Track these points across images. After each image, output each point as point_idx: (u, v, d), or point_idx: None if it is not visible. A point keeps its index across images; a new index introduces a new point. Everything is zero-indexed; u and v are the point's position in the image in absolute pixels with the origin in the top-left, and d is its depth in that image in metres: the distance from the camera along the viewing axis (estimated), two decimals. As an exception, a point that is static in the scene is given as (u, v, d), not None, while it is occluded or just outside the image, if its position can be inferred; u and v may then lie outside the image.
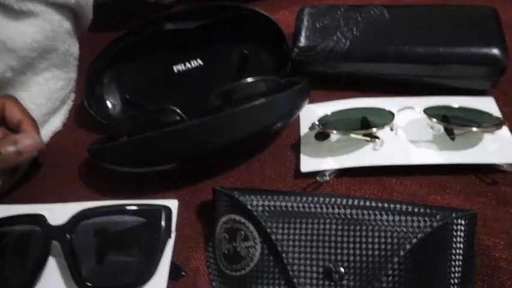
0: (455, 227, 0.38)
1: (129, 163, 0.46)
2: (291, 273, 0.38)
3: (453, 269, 0.37)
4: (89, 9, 0.56)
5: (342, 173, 0.47)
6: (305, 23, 0.55)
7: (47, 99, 0.55)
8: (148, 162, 0.46)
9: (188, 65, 0.57)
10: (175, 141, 0.44)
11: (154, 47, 0.57)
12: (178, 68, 0.57)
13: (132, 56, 0.57)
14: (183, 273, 0.42)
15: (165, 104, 0.52)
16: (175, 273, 0.42)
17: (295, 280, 0.38)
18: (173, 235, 0.43)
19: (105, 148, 0.47)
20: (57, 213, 0.43)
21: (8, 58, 0.49)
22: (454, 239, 0.38)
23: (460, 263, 0.37)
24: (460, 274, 0.37)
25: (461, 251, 0.38)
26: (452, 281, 0.37)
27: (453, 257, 0.37)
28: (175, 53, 0.57)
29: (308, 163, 0.47)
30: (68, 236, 0.41)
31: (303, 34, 0.54)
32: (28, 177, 0.53)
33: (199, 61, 0.57)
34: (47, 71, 0.54)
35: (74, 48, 0.56)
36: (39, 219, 0.43)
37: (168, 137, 0.44)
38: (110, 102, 0.57)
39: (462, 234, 0.38)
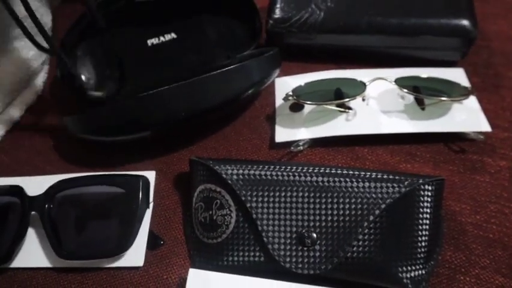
0: (422, 193, 0.39)
1: (102, 132, 0.46)
2: (265, 239, 0.39)
3: (420, 233, 0.39)
4: None
5: (316, 143, 0.48)
6: (280, -6, 0.55)
7: (17, 68, 0.54)
8: (121, 131, 0.46)
9: (162, 38, 0.57)
10: (147, 107, 0.44)
11: (128, 20, 0.56)
12: (152, 41, 0.57)
13: (106, 29, 0.56)
14: (161, 242, 0.43)
15: (138, 78, 0.52)
16: (153, 242, 0.43)
17: (269, 246, 0.39)
18: (151, 205, 0.44)
19: (77, 118, 0.47)
20: (35, 184, 0.44)
21: None
22: (422, 204, 0.39)
23: (427, 227, 0.39)
24: (427, 238, 0.39)
25: (428, 216, 0.39)
26: (419, 244, 0.39)
27: (420, 221, 0.39)
28: (149, 26, 0.57)
29: (283, 133, 0.48)
30: (46, 206, 0.42)
31: (278, 6, 0.54)
32: (4, 149, 0.53)
33: (173, 34, 0.57)
34: (19, 39, 0.53)
35: (47, 18, 0.56)
36: (17, 190, 0.43)
37: (140, 103, 0.44)
38: (84, 76, 0.57)
39: (429, 199, 0.39)
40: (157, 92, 0.44)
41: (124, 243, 0.41)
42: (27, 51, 0.54)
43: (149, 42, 0.57)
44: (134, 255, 0.42)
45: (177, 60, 0.57)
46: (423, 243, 0.39)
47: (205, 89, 0.44)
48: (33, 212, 0.42)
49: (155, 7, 0.55)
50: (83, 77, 0.56)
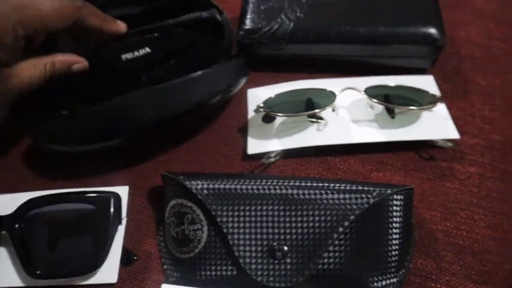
0: (391, 203, 0.40)
1: (68, 141, 0.46)
2: (236, 253, 0.39)
3: (391, 242, 0.39)
4: None
5: (288, 154, 0.48)
6: (251, 5, 0.55)
7: None
8: (87, 140, 0.46)
9: (136, 53, 0.57)
10: (113, 114, 0.44)
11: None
12: (126, 56, 0.57)
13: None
14: (135, 258, 0.43)
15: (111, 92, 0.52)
16: (127, 258, 0.43)
17: (241, 260, 0.39)
18: (124, 221, 0.44)
19: (45, 127, 0.47)
20: (5, 203, 0.44)
21: None
22: (391, 214, 0.40)
23: (398, 236, 0.40)
24: (397, 247, 0.39)
25: (398, 225, 0.40)
26: (390, 254, 0.39)
27: (390, 231, 0.39)
28: (123, 41, 0.57)
29: (255, 145, 0.49)
30: (17, 225, 0.42)
31: (248, 17, 0.54)
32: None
33: (147, 49, 0.57)
34: None
35: None
36: (-14, 210, 0.43)
37: (106, 111, 0.44)
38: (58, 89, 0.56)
39: (398, 209, 0.40)
40: (122, 98, 0.44)
41: (97, 261, 0.41)
42: None
43: (124, 57, 0.57)
44: (108, 272, 0.42)
45: (151, 75, 0.56)
46: (394, 252, 0.39)
47: (170, 96, 0.44)
48: (3, 232, 0.42)
49: (129, 21, 0.55)
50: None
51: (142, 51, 0.57)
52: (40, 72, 0.45)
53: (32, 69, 0.45)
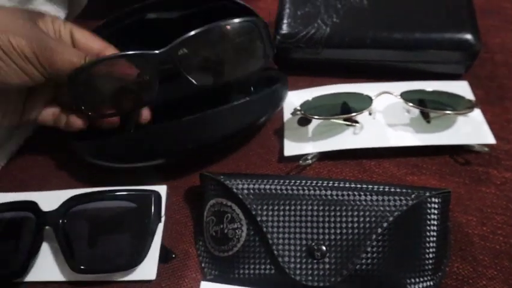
0: (429, 205, 0.40)
1: (111, 160, 0.47)
2: (275, 252, 0.40)
3: (428, 245, 0.40)
4: None
5: (323, 157, 0.49)
6: (287, 10, 0.56)
7: None
8: (129, 160, 0.47)
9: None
10: (157, 139, 0.45)
11: (136, 37, 0.57)
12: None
13: (114, 46, 0.57)
14: (173, 256, 0.44)
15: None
16: (165, 256, 0.44)
17: (280, 259, 0.40)
18: (163, 219, 0.45)
19: (87, 145, 0.48)
20: (49, 200, 0.45)
21: None
22: (429, 216, 0.40)
23: (435, 238, 0.40)
24: (434, 249, 0.40)
25: (435, 228, 0.40)
26: (427, 256, 0.39)
27: (428, 233, 0.40)
28: (157, 44, 0.58)
29: (291, 147, 0.49)
30: (60, 221, 0.43)
31: (285, 21, 0.55)
32: (18, 165, 0.53)
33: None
34: None
35: None
36: (31, 205, 0.44)
37: (150, 135, 0.45)
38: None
39: (436, 211, 0.40)
40: (168, 124, 0.45)
41: (137, 257, 0.42)
42: None
43: None
44: (147, 269, 0.43)
45: (184, 80, 0.57)
46: (431, 255, 0.40)
47: (217, 122, 0.45)
48: (47, 227, 0.43)
49: (165, 24, 0.56)
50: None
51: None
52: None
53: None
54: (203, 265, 0.43)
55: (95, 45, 0.47)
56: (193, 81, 0.45)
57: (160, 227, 0.44)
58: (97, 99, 0.48)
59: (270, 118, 0.50)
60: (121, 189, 0.45)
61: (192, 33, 0.44)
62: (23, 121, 0.48)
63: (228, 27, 0.45)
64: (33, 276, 0.44)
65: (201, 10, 0.55)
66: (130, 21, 0.55)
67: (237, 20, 0.45)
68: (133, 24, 0.55)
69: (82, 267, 0.42)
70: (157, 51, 0.44)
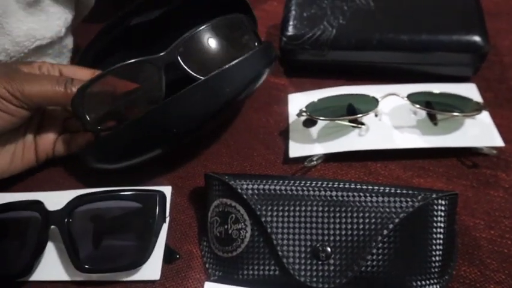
0: (436, 207, 0.39)
1: (115, 158, 0.47)
2: (280, 253, 0.39)
3: (434, 247, 0.39)
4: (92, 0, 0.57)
5: (329, 158, 0.49)
6: (293, 12, 0.56)
7: None
8: (133, 153, 0.46)
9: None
10: (154, 122, 0.44)
11: (125, 46, 0.57)
12: None
13: (107, 57, 0.57)
14: (177, 256, 0.44)
15: None
16: (169, 256, 0.44)
17: (284, 260, 0.39)
18: (167, 220, 0.45)
19: (86, 151, 0.48)
20: (54, 199, 0.45)
21: (4, 41, 0.50)
22: (435, 219, 0.39)
23: (441, 241, 0.39)
24: (441, 252, 0.39)
25: (442, 230, 0.39)
26: (433, 259, 0.39)
27: (434, 235, 0.39)
28: (145, 49, 0.57)
29: (296, 149, 0.49)
30: (66, 220, 0.43)
31: (291, 23, 0.55)
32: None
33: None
34: (40, 60, 0.55)
35: (69, 39, 0.57)
36: (37, 205, 0.44)
37: (148, 118, 0.44)
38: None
39: (443, 214, 0.40)
40: (158, 107, 0.44)
41: (141, 257, 0.42)
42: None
43: None
44: (151, 269, 0.43)
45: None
46: (437, 258, 0.39)
47: (208, 92, 0.44)
48: (52, 226, 0.43)
49: (149, 29, 0.56)
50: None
51: None
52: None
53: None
54: (207, 266, 0.43)
55: (83, 74, 0.49)
56: (197, 75, 0.45)
57: (165, 228, 0.44)
58: (108, 114, 0.48)
59: (257, 85, 0.48)
60: (126, 189, 0.45)
61: (192, 33, 0.45)
62: (39, 158, 0.51)
63: (221, 23, 0.47)
64: (38, 275, 0.44)
65: (182, 4, 0.55)
66: (116, 31, 0.55)
67: (227, 17, 0.47)
68: (120, 34, 0.55)
69: (87, 266, 0.42)
70: (162, 54, 0.44)
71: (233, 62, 0.44)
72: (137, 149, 0.46)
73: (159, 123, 0.44)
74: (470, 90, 0.52)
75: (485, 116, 0.49)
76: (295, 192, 0.41)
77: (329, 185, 0.40)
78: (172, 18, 0.56)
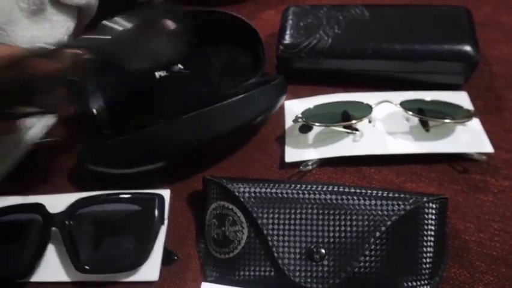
0: (426, 210, 0.41)
1: (116, 165, 0.48)
2: (275, 254, 0.41)
3: (425, 249, 0.40)
4: (95, 8, 0.58)
5: (324, 163, 0.50)
6: (290, 21, 0.58)
7: None
8: (135, 163, 0.47)
9: (169, 70, 0.59)
10: (158, 139, 0.46)
11: None
12: (160, 73, 0.59)
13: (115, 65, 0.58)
14: (175, 258, 0.45)
15: (148, 110, 0.54)
16: (167, 258, 0.45)
17: (279, 261, 0.40)
18: (166, 222, 0.46)
19: (90, 150, 0.49)
20: (55, 202, 0.46)
21: None
22: (426, 222, 0.41)
23: (432, 243, 0.40)
24: (431, 254, 0.40)
25: (432, 233, 0.41)
26: (424, 260, 0.40)
27: (425, 238, 0.40)
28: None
29: (292, 154, 0.50)
30: (67, 222, 0.44)
31: (288, 32, 0.57)
32: (23, 169, 0.54)
33: (180, 66, 0.59)
34: None
35: None
36: (39, 207, 0.45)
37: (150, 135, 0.46)
38: (96, 110, 0.58)
39: (433, 217, 0.41)
40: (167, 124, 0.45)
41: (140, 258, 0.43)
42: None
43: (158, 74, 0.59)
44: (150, 270, 0.44)
45: (185, 91, 0.59)
46: (427, 260, 0.40)
47: (216, 119, 0.46)
48: (53, 228, 0.44)
49: None
50: (94, 111, 0.57)
51: (175, 68, 0.59)
52: None
53: None
54: (204, 267, 0.44)
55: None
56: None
57: (163, 230, 0.45)
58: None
59: (269, 114, 0.51)
60: (126, 192, 0.46)
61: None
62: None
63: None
64: (38, 276, 0.44)
65: (197, 25, 0.57)
66: None
67: None
68: None
69: (87, 267, 0.43)
70: None
71: (253, 91, 0.47)
72: (142, 159, 0.47)
73: (176, 137, 0.45)
74: (461, 98, 0.53)
75: (475, 123, 0.50)
76: (290, 196, 0.42)
77: (324, 189, 0.42)
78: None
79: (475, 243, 0.44)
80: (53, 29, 0.54)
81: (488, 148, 0.48)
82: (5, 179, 0.53)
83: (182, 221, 0.48)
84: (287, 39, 0.56)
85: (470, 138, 0.49)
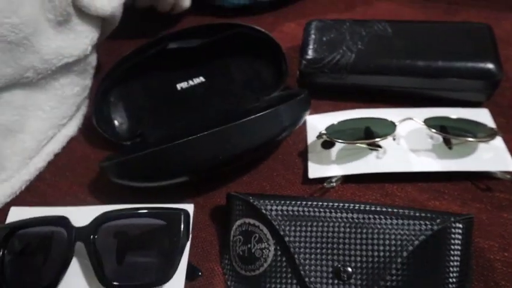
0: (453, 230, 0.41)
1: (140, 178, 0.48)
2: (302, 272, 0.41)
3: (451, 269, 0.40)
4: (118, 19, 0.59)
5: (347, 180, 0.50)
6: (312, 36, 0.58)
7: (60, 103, 0.56)
8: (159, 177, 0.47)
9: (191, 82, 0.60)
10: (181, 155, 0.45)
11: (158, 66, 0.59)
12: (181, 85, 0.60)
13: (137, 75, 0.59)
14: (200, 273, 0.45)
15: (169, 122, 0.55)
16: (191, 273, 0.45)
17: (306, 279, 0.41)
18: (189, 237, 0.46)
19: (114, 164, 0.49)
20: (80, 216, 0.45)
21: (33, 58, 0.51)
22: (452, 241, 0.41)
23: (458, 263, 0.40)
24: (457, 274, 0.40)
25: (458, 253, 0.41)
26: (450, 280, 0.40)
27: (451, 257, 0.40)
28: (178, 71, 0.59)
29: (315, 170, 0.50)
30: (92, 237, 0.44)
31: (311, 47, 0.57)
32: (46, 180, 0.55)
33: (201, 78, 0.60)
34: (65, 77, 0.56)
35: (93, 57, 0.59)
36: (63, 221, 0.45)
37: (177, 149, 0.45)
38: (117, 121, 0.59)
39: (460, 237, 0.41)
40: (191, 139, 0.45)
41: (166, 274, 0.43)
42: (72, 87, 0.57)
43: (179, 86, 0.60)
44: (174, 286, 0.43)
45: (206, 104, 0.59)
46: (454, 279, 0.40)
47: (241, 135, 0.45)
48: (78, 242, 0.44)
49: (185, 53, 0.58)
50: (116, 122, 0.58)
51: (196, 81, 0.60)
52: None
53: None
54: (229, 283, 0.44)
55: None
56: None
57: (187, 245, 0.45)
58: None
59: (293, 129, 0.50)
60: (151, 207, 0.46)
61: None
62: None
63: None
64: (62, 290, 0.44)
65: (219, 38, 0.58)
66: (152, 51, 0.57)
67: None
68: (156, 54, 0.57)
69: (113, 282, 0.43)
70: None
71: (279, 107, 0.46)
72: (164, 173, 0.47)
73: (199, 152, 0.45)
74: (483, 115, 0.53)
75: (498, 141, 0.51)
76: (317, 214, 0.42)
77: (350, 207, 0.42)
78: (208, 49, 0.59)
79: (499, 262, 0.44)
80: (78, 39, 0.54)
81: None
82: (24, 190, 0.53)
83: (206, 235, 0.48)
84: (310, 54, 0.56)
85: (494, 156, 0.49)
